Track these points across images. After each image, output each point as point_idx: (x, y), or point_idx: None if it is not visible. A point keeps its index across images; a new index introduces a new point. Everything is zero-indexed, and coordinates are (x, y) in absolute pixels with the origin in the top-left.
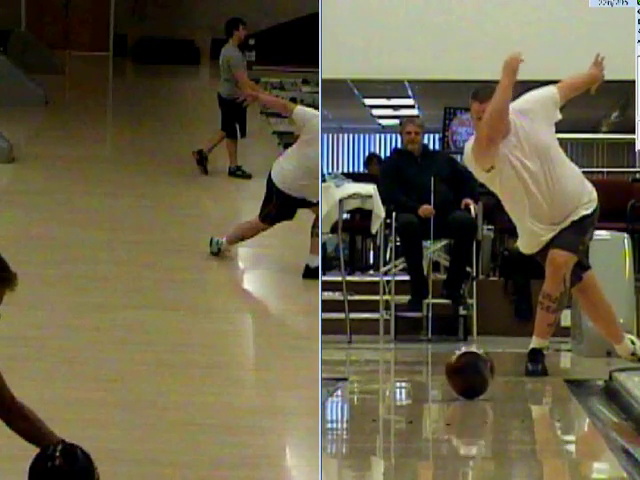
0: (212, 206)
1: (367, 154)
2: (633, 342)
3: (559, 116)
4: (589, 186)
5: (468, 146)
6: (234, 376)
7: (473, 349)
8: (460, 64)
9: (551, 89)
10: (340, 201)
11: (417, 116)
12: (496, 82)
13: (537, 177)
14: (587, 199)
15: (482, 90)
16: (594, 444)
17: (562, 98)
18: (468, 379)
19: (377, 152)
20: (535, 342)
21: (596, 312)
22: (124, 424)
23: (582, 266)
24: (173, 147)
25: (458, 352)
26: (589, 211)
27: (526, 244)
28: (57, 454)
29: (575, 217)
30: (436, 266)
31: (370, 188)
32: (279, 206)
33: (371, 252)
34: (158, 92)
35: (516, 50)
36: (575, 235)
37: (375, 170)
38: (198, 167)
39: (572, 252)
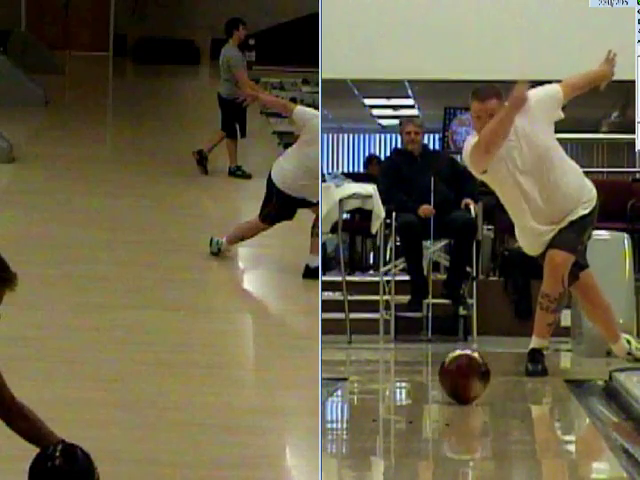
0: (212, 206)
1: (367, 155)
2: (629, 341)
3: (561, 115)
4: (589, 184)
5: (467, 145)
6: (234, 376)
7: (468, 351)
8: (460, 64)
9: (555, 88)
10: (340, 201)
11: (417, 116)
12: (495, 82)
13: (534, 179)
14: (586, 198)
15: (482, 89)
16: (594, 444)
17: (566, 96)
18: (459, 382)
19: (377, 152)
20: (535, 342)
21: (594, 312)
22: (124, 424)
23: (579, 265)
24: (173, 147)
25: (452, 353)
26: (587, 210)
27: (529, 245)
28: (57, 454)
29: (574, 217)
30: (436, 266)
31: (370, 188)
32: (279, 206)
33: (371, 252)
34: (158, 92)
35: (523, 85)
36: (574, 235)
37: (375, 171)
38: (198, 167)
39: (570, 252)
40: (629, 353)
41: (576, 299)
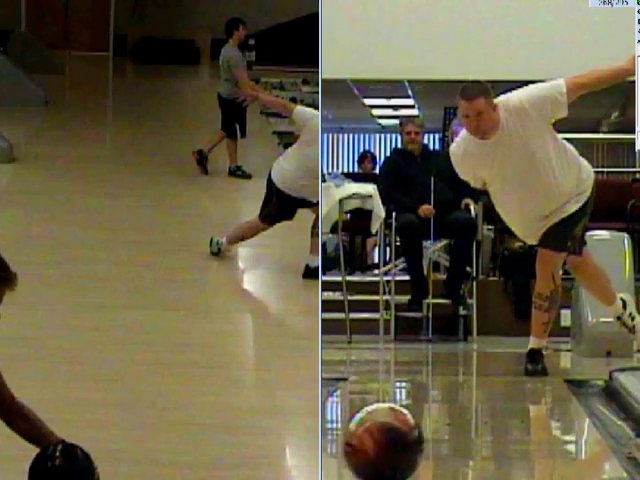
0: (212, 206)
1: (360, 152)
2: (625, 303)
3: (562, 114)
4: (585, 173)
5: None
6: (234, 376)
7: (390, 405)
8: (460, 64)
9: (556, 89)
10: (340, 201)
11: (417, 116)
12: (495, 82)
13: (523, 179)
14: (581, 189)
15: (469, 88)
16: (594, 444)
17: (571, 95)
18: (369, 459)
19: (377, 152)
20: (532, 342)
21: (589, 284)
22: (124, 424)
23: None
24: (173, 147)
25: (367, 408)
26: (580, 204)
27: (528, 236)
28: (57, 454)
29: (564, 214)
30: (436, 266)
31: (370, 188)
32: (279, 206)
33: (371, 252)
34: (158, 92)
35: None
36: (563, 232)
37: (368, 168)
38: (198, 167)
39: (560, 250)
40: (618, 318)
41: (576, 296)
